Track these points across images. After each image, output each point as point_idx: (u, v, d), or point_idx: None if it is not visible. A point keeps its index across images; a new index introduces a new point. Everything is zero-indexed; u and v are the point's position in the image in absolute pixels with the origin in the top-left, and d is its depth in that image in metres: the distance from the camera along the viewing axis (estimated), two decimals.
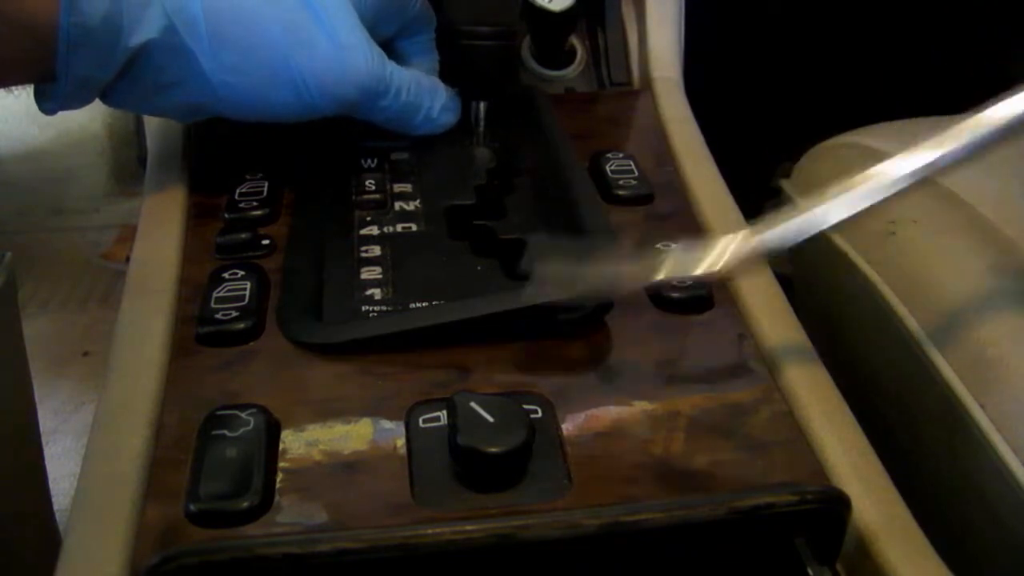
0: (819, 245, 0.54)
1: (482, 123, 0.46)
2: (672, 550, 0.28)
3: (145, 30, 0.36)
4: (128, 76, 0.38)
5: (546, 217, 0.41)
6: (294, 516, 0.27)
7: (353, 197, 0.42)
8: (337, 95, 0.40)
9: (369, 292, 0.37)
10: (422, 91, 0.43)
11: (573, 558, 0.27)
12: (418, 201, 0.42)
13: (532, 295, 0.32)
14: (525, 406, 0.30)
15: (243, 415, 0.30)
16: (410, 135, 0.45)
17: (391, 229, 0.41)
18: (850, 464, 0.31)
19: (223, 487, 0.27)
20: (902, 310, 0.46)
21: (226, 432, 0.29)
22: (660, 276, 0.32)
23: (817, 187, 0.31)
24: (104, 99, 0.39)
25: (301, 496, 0.28)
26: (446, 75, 0.46)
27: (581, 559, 0.27)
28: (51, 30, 0.34)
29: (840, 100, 0.88)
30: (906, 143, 0.30)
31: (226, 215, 0.41)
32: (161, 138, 0.47)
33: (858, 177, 0.31)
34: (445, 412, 0.30)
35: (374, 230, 0.40)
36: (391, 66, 0.42)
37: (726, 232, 0.41)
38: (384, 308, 0.36)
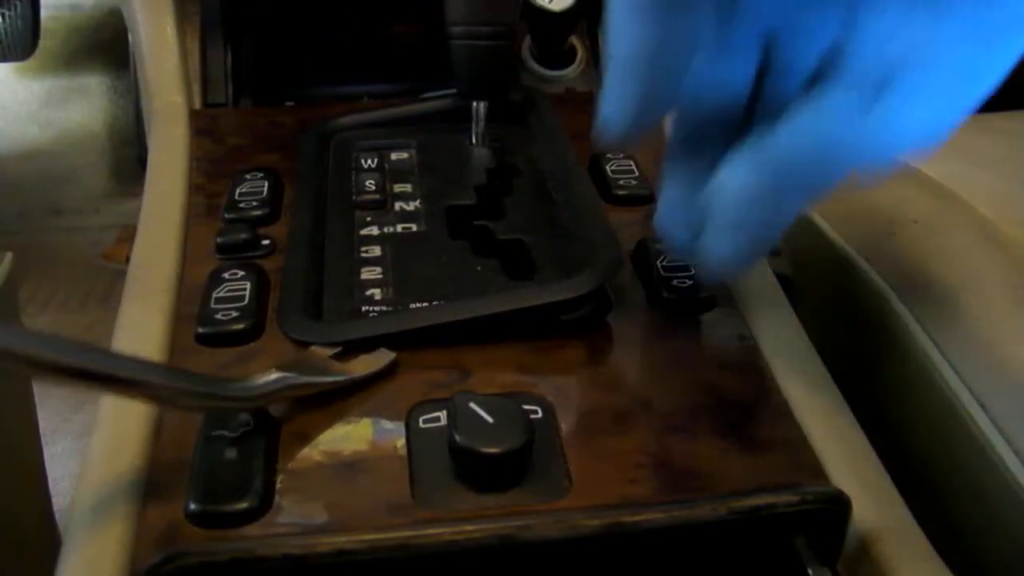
0: (819, 245, 0.54)
1: (482, 123, 0.46)
2: (672, 550, 0.28)
3: None
4: None
5: (546, 217, 0.41)
6: (294, 516, 0.27)
7: (353, 197, 0.42)
8: None
9: (369, 292, 0.37)
10: None
11: (573, 558, 0.27)
12: (418, 201, 0.42)
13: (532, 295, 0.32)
14: (525, 406, 0.30)
15: (243, 415, 0.30)
16: None
17: (391, 229, 0.40)
18: (850, 464, 0.31)
19: (223, 487, 0.27)
20: (902, 310, 0.46)
21: (226, 432, 0.29)
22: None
23: None
24: None
25: (301, 496, 0.28)
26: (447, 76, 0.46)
27: (581, 559, 0.27)
28: None
29: None
30: None
31: (226, 215, 0.41)
32: (161, 138, 0.47)
33: None
34: (445, 412, 0.30)
35: (374, 230, 0.40)
36: None
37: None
38: (384, 308, 0.36)
